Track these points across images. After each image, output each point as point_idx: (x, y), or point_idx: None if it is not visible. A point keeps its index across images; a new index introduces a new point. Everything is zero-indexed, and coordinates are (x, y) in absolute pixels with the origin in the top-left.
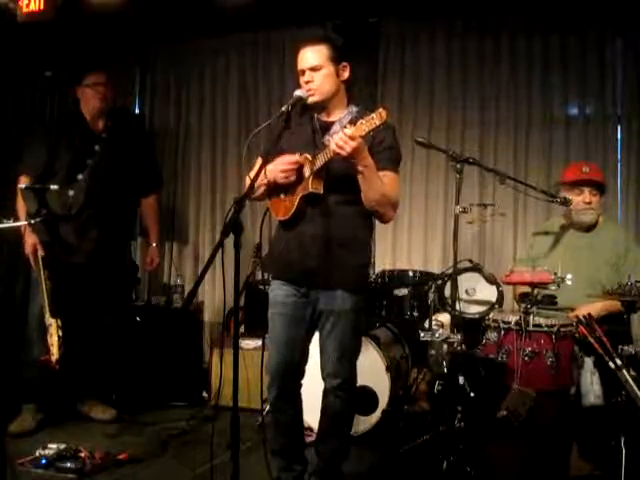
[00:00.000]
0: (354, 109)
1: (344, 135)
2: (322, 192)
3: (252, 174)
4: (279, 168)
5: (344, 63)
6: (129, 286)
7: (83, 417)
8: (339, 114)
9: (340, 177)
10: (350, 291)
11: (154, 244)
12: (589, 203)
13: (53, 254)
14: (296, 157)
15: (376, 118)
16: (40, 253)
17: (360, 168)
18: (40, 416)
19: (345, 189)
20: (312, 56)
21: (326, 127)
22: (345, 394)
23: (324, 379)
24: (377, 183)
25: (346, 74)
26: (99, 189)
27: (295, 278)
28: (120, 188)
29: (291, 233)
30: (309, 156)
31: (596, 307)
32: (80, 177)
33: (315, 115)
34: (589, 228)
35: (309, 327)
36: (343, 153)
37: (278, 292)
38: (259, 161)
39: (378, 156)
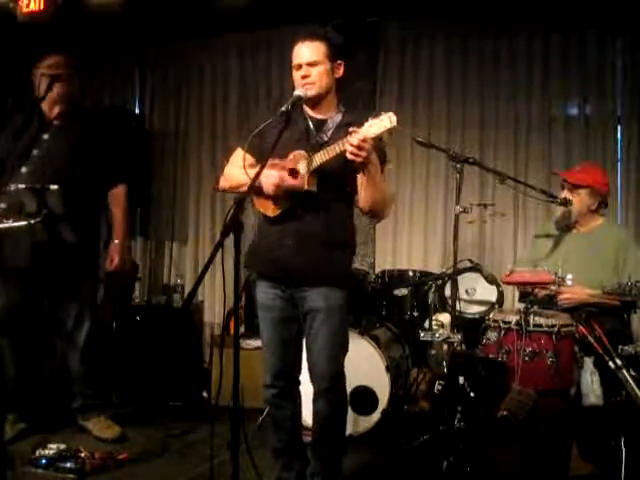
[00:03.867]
0: (343, 109)
1: (360, 136)
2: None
3: (248, 170)
4: (273, 181)
5: (339, 61)
6: (128, 285)
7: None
8: (330, 113)
9: (329, 174)
10: (337, 288)
11: (117, 241)
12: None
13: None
14: (294, 182)
15: (386, 121)
16: None
17: (371, 169)
18: (21, 426)
19: (333, 186)
20: (310, 52)
21: (319, 124)
22: (336, 396)
23: (313, 381)
24: (382, 184)
25: (340, 72)
26: (45, 183)
27: (278, 276)
28: (73, 181)
29: (275, 230)
30: (305, 153)
31: (582, 295)
32: (24, 170)
33: (307, 112)
34: (569, 227)
35: (300, 326)
36: (358, 159)
37: (263, 295)
38: (239, 152)
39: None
